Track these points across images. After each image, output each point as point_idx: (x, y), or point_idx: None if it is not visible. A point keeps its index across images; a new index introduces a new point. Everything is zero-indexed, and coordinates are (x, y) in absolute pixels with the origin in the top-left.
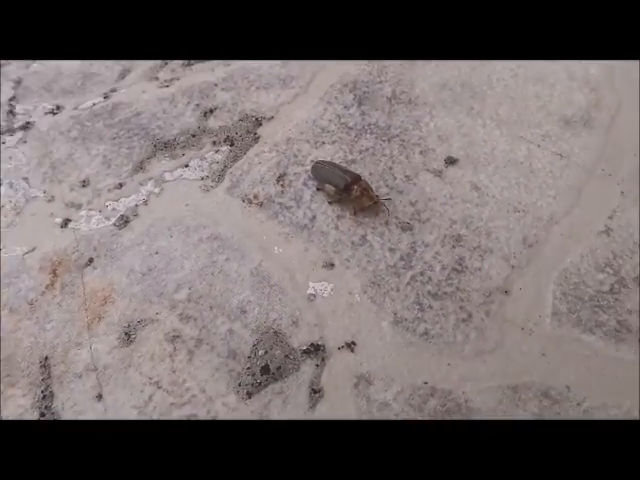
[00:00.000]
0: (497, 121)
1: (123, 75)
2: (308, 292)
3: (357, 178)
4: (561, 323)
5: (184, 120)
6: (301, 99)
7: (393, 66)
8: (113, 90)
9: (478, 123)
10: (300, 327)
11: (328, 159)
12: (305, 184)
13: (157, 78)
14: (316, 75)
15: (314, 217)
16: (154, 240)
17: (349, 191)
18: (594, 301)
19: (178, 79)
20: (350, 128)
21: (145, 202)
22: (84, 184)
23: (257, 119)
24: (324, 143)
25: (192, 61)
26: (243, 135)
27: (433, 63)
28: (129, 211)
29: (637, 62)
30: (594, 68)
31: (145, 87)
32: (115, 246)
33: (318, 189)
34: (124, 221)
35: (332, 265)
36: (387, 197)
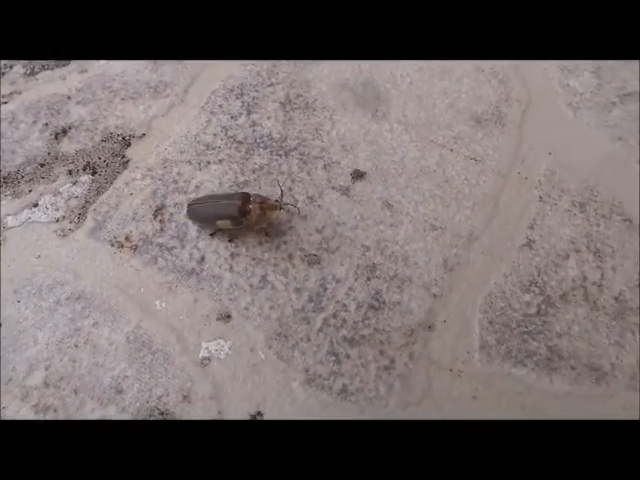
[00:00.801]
0: (405, 124)
1: None
2: (201, 355)
3: (246, 195)
4: (490, 358)
5: (29, 145)
6: (178, 110)
7: (284, 65)
8: None
9: (385, 128)
10: (193, 402)
11: (203, 194)
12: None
13: None
14: (194, 80)
15: (202, 258)
16: None
17: (247, 214)
18: (522, 327)
19: (19, 93)
20: (240, 142)
21: None
22: None
23: (124, 138)
24: (209, 163)
25: (36, 69)
26: (108, 160)
27: (330, 62)
28: None
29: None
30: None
31: None
32: None
33: (212, 235)
34: None
35: (228, 317)
36: (280, 192)
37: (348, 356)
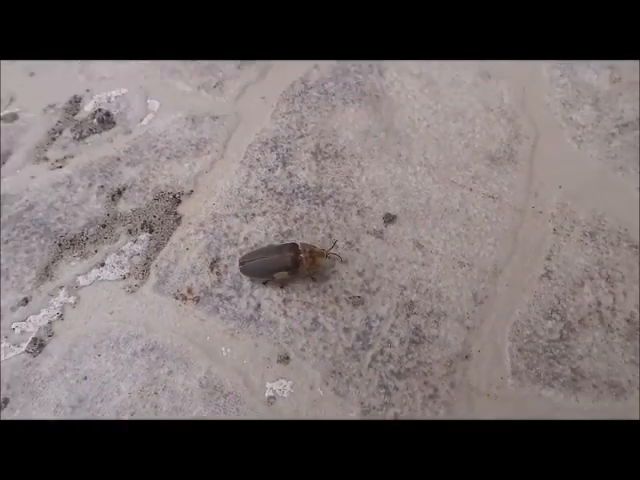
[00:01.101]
0: (427, 166)
1: (3, 159)
2: (267, 395)
3: (295, 246)
4: (522, 382)
5: (89, 207)
6: (220, 165)
7: (312, 117)
8: None
9: (409, 172)
10: None
11: (252, 244)
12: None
13: (46, 158)
14: (231, 134)
15: (259, 305)
16: (79, 363)
17: (299, 264)
18: (548, 352)
19: (72, 157)
20: (280, 194)
21: (60, 317)
22: None
23: (175, 196)
24: (254, 215)
25: (84, 132)
26: (162, 217)
27: (352, 108)
28: (42, 331)
29: (546, 85)
30: (506, 97)
31: (33, 171)
32: (33, 378)
33: (264, 283)
34: (38, 345)
35: (287, 358)
36: (333, 243)
37: (397, 388)
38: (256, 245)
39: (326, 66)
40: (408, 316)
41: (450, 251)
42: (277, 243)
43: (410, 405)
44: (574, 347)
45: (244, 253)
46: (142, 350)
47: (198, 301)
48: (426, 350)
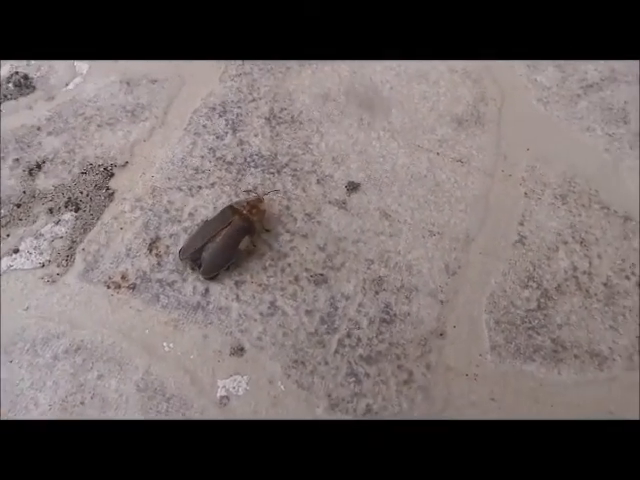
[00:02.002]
0: (391, 131)
1: None
2: (218, 395)
3: (232, 208)
4: (501, 358)
5: (1, 184)
6: (160, 133)
7: (264, 79)
8: None
9: (372, 136)
10: None
11: (198, 220)
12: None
13: None
14: (173, 100)
15: (207, 290)
16: None
17: (250, 220)
18: (526, 323)
19: None
20: (229, 163)
21: None
22: None
23: (106, 168)
24: (200, 188)
25: None
26: (90, 193)
27: (309, 70)
28: None
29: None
30: None
31: None
32: None
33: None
34: None
35: (242, 350)
36: (271, 190)
37: (367, 375)
38: (202, 221)
39: None
40: (377, 293)
41: (419, 220)
42: (205, 219)
43: (383, 393)
44: (553, 316)
45: (182, 246)
46: (65, 352)
47: (134, 289)
48: (398, 329)
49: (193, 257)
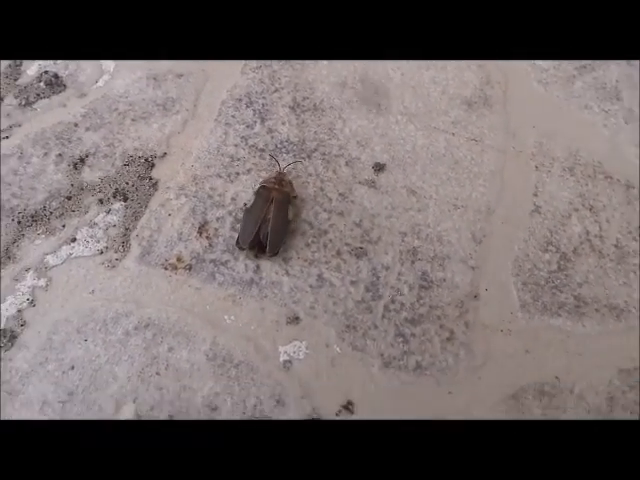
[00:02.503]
0: (407, 115)
1: None
2: (281, 359)
3: (265, 188)
4: (531, 314)
5: (48, 179)
6: (193, 125)
7: (284, 70)
8: None
9: (391, 120)
10: (287, 405)
11: (240, 204)
12: (234, 228)
13: None
14: (200, 93)
15: (258, 267)
16: (63, 352)
17: (284, 192)
18: (550, 283)
19: (19, 125)
20: (262, 150)
21: (31, 302)
22: None
23: (147, 159)
24: (238, 174)
25: (31, 98)
26: (136, 183)
27: (325, 61)
28: (12, 322)
29: None
30: None
31: None
32: (9, 376)
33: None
34: (9, 337)
35: (297, 319)
36: (290, 162)
37: (413, 335)
38: (245, 205)
39: None
40: (413, 262)
41: (443, 195)
42: (245, 205)
43: (430, 351)
44: (572, 276)
45: (238, 239)
46: (135, 328)
47: (190, 269)
48: (436, 294)
49: (253, 244)
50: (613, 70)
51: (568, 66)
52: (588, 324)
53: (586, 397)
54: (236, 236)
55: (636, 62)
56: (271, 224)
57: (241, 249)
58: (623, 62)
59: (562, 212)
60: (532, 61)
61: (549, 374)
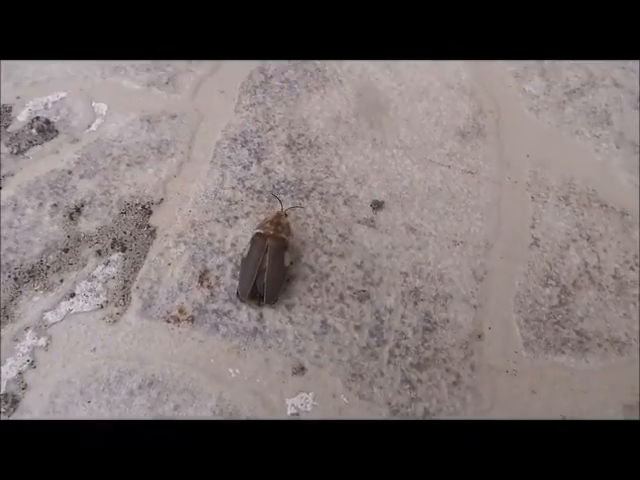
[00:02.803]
0: (403, 148)
1: None
2: (289, 412)
3: (260, 234)
4: (535, 353)
5: (44, 231)
6: (189, 168)
7: (277, 107)
8: None
9: (386, 155)
10: None
11: (240, 250)
12: (235, 276)
13: None
14: (194, 134)
15: (261, 316)
16: (67, 414)
17: (280, 238)
18: (552, 318)
19: (12, 175)
20: (259, 192)
21: (31, 364)
22: None
23: (144, 206)
24: (237, 218)
25: (23, 145)
26: (134, 232)
27: (317, 95)
28: (12, 385)
29: (499, 61)
30: (463, 73)
31: None
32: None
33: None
34: (12, 402)
35: (303, 369)
36: (292, 207)
37: (420, 380)
38: (244, 250)
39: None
40: (416, 303)
41: (442, 231)
42: (241, 253)
43: (437, 396)
44: (573, 310)
45: (237, 291)
46: (139, 387)
47: (193, 321)
48: (440, 335)
49: (252, 294)
50: (601, 94)
51: (557, 91)
52: (591, 360)
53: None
54: (237, 284)
55: (624, 85)
56: (267, 274)
57: (241, 301)
58: (611, 85)
59: (560, 244)
60: (522, 87)
61: (555, 413)
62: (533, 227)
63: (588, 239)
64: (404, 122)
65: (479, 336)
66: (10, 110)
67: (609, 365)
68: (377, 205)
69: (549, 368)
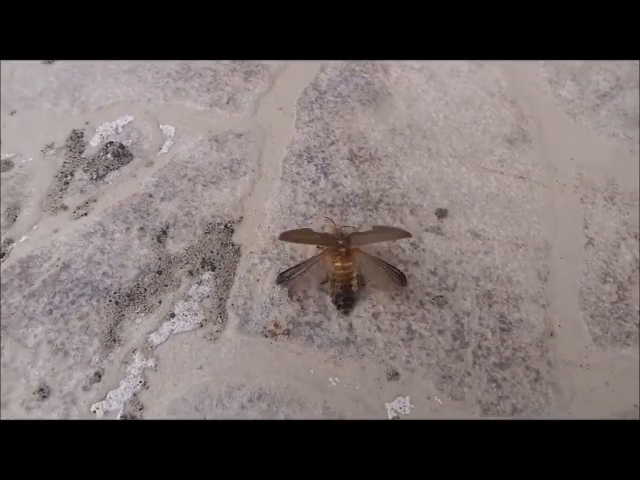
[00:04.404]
0: (457, 157)
1: (12, 217)
2: (390, 416)
3: (327, 236)
4: (603, 347)
5: (135, 254)
6: (261, 185)
7: (335, 122)
8: (9, 241)
9: (443, 164)
10: None
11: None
12: (321, 288)
13: (64, 207)
14: (262, 151)
15: (350, 325)
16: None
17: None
18: (614, 314)
19: (95, 200)
20: (331, 205)
21: (144, 385)
22: (43, 394)
23: (226, 225)
24: (323, 227)
25: (102, 172)
26: (220, 251)
27: (371, 108)
28: (130, 407)
29: (530, 66)
30: (503, 81)
31: (53, 224)
32: None
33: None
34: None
35: (397, 374)
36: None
37: (505, 379)
38: None
39: (331, 69)
40: (490, 306)
41: (504, 235)
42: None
43: (522, 393)
44: (632, 304)
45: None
46: (249, 400)
47: (289, 334)
48: (517, 335)
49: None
50: (630, 96)
51: (590, 95)
52: None
53: None
54: (325, 296)
55: None
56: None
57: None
58: (636, 87)
59: (612, 242)
60: (557, 92)
61: (629, 403)
62: (586, 227)
63: (636, 237)
64: (454, 131)
65: (551, 334)
66: (81, 136)
67: None
68: (441, 213)
69: (617, 360)
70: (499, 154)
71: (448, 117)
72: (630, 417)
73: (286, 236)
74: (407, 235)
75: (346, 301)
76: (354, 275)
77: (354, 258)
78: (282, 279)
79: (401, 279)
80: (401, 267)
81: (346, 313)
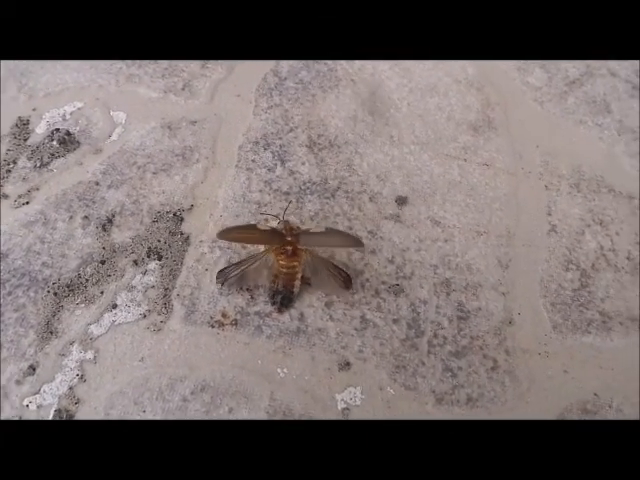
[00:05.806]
0: (419, 144)
1: None
2: (339, 408)
3: (272, 230)
4: (563, 334)
5: (78, 244)
6: (214, 173)
7: (295, 108)
8: None
9: (405, 151)
10: None
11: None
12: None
13: (5, 195)
14: (216, 138)
15: (302, 315)
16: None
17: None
18: (576, 301)
19: (37, 188)
20: (287, 193)
21: (81, 378)
22: None
23: (175, 214)
24: (267, 221)
25: (46, 159)
26: (168, 240)
27: (332, 95)
28: (65, 400)
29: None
30: (469, 67)
31: None
32: None
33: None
34: (66, 417)
35: (348, 364)
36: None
37: (460, 368)
38: None
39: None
40: (448, 294)
41: (465, 223)
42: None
43: (477, 382)
44: (595, 292)
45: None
46: (192, 393)
47: (236, 324)
48: (474, 324)
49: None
50: (599, 83)
51: (558, 82)
52: (615, 338)
53: (623, 410)
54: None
55: (620, 74)
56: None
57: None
58: (607, 75)
59: (576, 229)
60: (526, 80)
61: (588, 392)
62: (549, 214)
63: (601, 223)
64: (418, 118)
65: (510, 322)
66: (27, 123)
67: (632, 342)
68: (401, 200)
69: (578, 348)
70: (463, 141)
71: (412, 104)
72: (589, 406)
73: (225, 234)
74: (359, 245)
75: (284, 300)
76: (299, 276)
77: (300, 257)
78: (220, 276)
79: (346, 283)
80: (357, 255)
81: (280, 312)
